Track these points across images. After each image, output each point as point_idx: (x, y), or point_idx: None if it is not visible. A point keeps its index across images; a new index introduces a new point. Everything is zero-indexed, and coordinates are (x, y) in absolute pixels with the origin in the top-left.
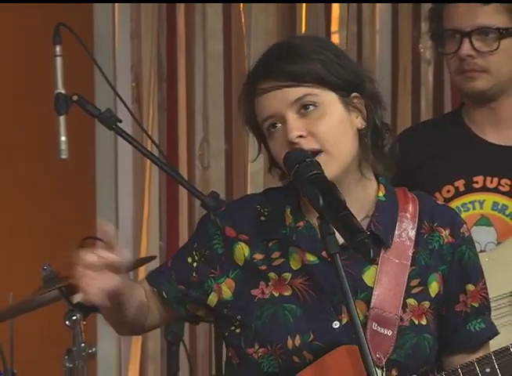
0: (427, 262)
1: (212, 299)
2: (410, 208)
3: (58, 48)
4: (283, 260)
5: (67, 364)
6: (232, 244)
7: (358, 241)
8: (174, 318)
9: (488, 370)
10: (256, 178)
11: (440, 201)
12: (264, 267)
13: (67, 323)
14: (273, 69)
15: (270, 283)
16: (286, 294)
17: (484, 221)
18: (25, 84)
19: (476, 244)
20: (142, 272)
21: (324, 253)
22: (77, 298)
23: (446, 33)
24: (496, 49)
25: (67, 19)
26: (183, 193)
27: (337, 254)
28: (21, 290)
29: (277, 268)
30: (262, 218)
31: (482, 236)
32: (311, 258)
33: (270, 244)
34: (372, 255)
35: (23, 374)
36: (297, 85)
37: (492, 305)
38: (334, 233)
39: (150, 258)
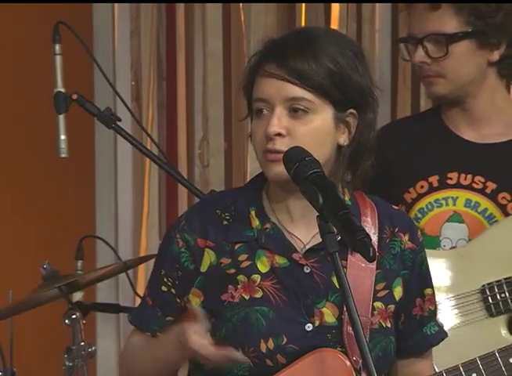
0: (392, 266)
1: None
2: (369, 213)
3: (57, 47)
4: (250, 263)
5: (67, 363)
6: (201, 254)
7: (358, 240)
8: None
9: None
10: None
11: (412, 197)
12: (232, 270)
13: (67, 321)
14: (284, 58)
15: (239, 286)
16: (256, 296)
17: (456, 217)
18: (24, 83)
19: (447, 240)
20: (142, 270)
21: (294, 255)
22: (77, 296)
23: (408, 39)
24: (445, 55)
25: (67, 17)
26: (183, 191)
27: (337, 254)
28: (21, 288)
29: (245, 270)
30: (225, 222)
31: (454, 232)
32: (280, 260)
33: (236, 247)
34: (372, 254)
35: (23, 372)
36: (299, 85)
37: (461, 301)
38: (334, 232)
39: (150, 257)
